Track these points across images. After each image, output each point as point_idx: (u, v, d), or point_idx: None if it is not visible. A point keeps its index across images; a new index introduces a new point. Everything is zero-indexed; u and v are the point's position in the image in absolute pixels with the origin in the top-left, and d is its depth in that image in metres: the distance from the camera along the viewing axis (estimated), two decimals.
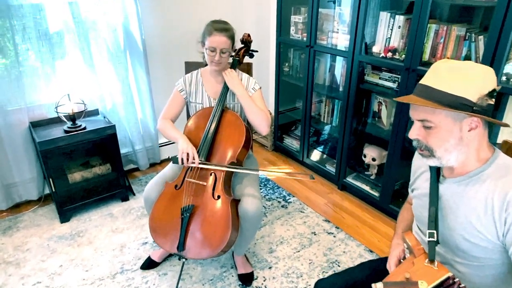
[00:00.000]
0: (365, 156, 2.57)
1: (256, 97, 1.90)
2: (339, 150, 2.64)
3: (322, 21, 2.59)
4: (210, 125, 1.80)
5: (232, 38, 1.77)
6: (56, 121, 2.43)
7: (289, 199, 2.66)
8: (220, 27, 1.74)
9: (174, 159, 1.78)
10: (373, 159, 2.52)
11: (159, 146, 3.05)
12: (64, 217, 2.39)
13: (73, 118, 2.34)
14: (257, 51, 2.01)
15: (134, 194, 2.70)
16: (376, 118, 2.48)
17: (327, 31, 2.59)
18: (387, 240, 2.27)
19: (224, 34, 1.74)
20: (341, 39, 2.49)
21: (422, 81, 1.02)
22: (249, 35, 1.96)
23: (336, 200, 2.67)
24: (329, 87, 2.77)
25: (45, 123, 2.42)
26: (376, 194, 2.50)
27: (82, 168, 2.47)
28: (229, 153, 1.77)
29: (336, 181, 2.80)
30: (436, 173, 1.10)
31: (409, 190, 1.29)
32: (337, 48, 2.51)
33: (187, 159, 1.71)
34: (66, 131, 2.30)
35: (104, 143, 2.41)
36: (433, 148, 1.00)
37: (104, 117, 2.54)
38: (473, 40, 1.86)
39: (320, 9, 2.50)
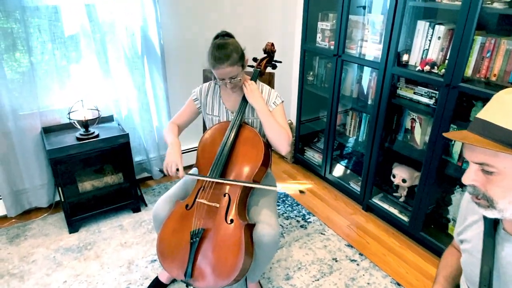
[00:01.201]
0: (394, 177, 2.36)
1: (277, 112, 1.74)
2: (366, 168, 2.44)
3: (351, 29, 2.41)
4: (226, 141, 1.65)
5: (237, 61, 1.58)
6: (69, 127, 2.35)
7: (309, 218, 2.48)
8: (220, 56, 1.54)
9: (161, 169, 1.73)
10: (404, 181, 2.31)
11: None
12: (73, 227, 2.29)
13: (85, 125, 2.24)
14: (280, 62, 1.85)
15: (146, 205, 2.58)
16: (408, 136, 2.27)
17: (356, 39, 2.40)
18: (415, 272, 2.05)
19: (227, 64, 1.55)
20: (371, 49, 2.30)
21: (481, 115, 0.83)
22: (272, 45, 1.81)
23: (360, 222, 2.47)
24: (356, 99, 2.57)
25: (57, 129, 2.34)
26: (405, 218, 2.29)
27: (94, 176, 2.37)
28: (245, 173, 1.62)
29: (361, 201, 2.59)
30: (493, 225, 0.91)
31: (456, 238, 1.09)
32: (366, 58, 2.32)
33: (167, 170, 1.63)
34: (78, 138, 2.21)
35: (117, 152, 2.31)
36: (494, 198, 0.81)
37: (119, 124, 2.44)
38: None
39: (349, 16, 2.32)
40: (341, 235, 2.33)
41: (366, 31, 2.31)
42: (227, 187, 1.62)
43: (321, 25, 2.59)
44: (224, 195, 1.60)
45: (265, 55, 1.83)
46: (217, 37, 1.66)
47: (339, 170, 2.88)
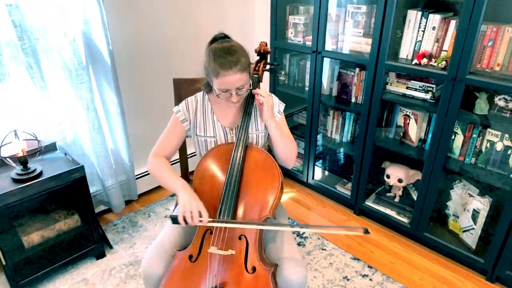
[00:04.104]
0: (388, 177, 2.22)
1: (282, 121, 1.47)
2: (357, 170, 2.27)
3: (330, 22, 2.19)
4: (234, 169, 1.32)
5: (246, 67, 1.27)
6: (0, 165, 1.80)
7: (304, 233, 2.25)
8: (227, 61, 1.22)
9: (174, 218, 1.28)
10: (400, 180, 2.18)
11: (136, 178, 2.49)
12: None
13: (23, 161, 1.73)
14: (278, 64, 1.56)
15: (111, 247, 2.13)
16: (401, 133, 2.14)
17: (335, 33, 2.20)
18: (429, 277, 1.94)
19: (236, 70, 1.23)
20: (354, 43, 2.12)
21: None
22: (266, 44, 1.51)
23: None
24: (337, 98, 2.38)
25: None
26: (405, 220, 2.17)
27: (41, 225, 1.86)
28: (263, 206, 1.31)
29: (352, 205, 2.43)
30: None
31: None
32: (349, 53, 2.13)
33: (192, 218, 1.23)
34: (15, 180, 1.69)
35: (70, 190, 1.83)
36: None
37: (65, 154, 1.95)
38: None
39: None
40: (342, 247, 2.14)
41: (347, 24, 2.12)
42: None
43: (292, 19, 2.34)
44: (240, 238, 1.28)
45: (258, 57, 1.52)
46: (214, 40, 1.32)
47: (321, 174, 2.69)
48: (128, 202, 2.51)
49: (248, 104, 1.41)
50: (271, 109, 1.39)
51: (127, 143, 2.28)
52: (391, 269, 1.99)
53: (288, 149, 1.43)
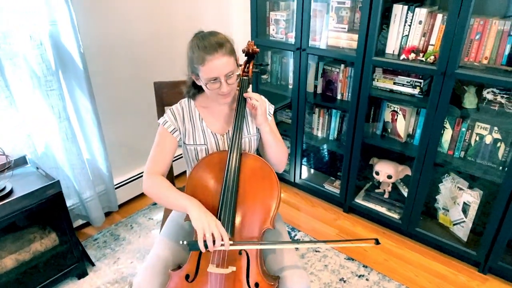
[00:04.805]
0: (377, 174, 2.20)
1: (273, 124, 1.40)
2: (346, 168, 2.24)
3: (313, 18, 2.13)
4: (229, 179, 1.23)
5: (232, 52, 1.22)
6: None
7: (295, 235, 2.20)
8: (212, 44, 1.16)
9: (192, 245, 1.14)
10: (389, 177, 2.17)
11: (115, 188, 2.34)
12: None
13: None
14: (267, 64, 1.48)
15: (93, 264, 1.99)
16: (389, 129, 2.12)
17: (320, 29, 2.14)
18: (424, 273, 1.94)
19: (223, 53, 1.17)
20: (338, 39, 2.07)
21: None
22: (254, 44, 1.42)
23: (347, 227, 2.28)
24: (322, 95, 2.34)
25: None
26: (396, 216, 2.16)
27: (15, 248, 1.69)
28: (262, 218, 1.23)
29: (341, 203, 2.40)
30: None
31: None
32: (335, 49, 2.08)
33: (213, 241, 1.11)
34: None
35: (45, 208, 1.68)
36: None
37: (37, 168, 1.79)
38: None
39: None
40: (336, 248, 2.10)
41: (331, 20, 2.06)
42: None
43: (274, 15, 2.26)
44: (240, 253, 1.20)
45: (246, 58, 1.43)
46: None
47: (308, 173, 2.65)
48: (108, 214, 2.37)
49: (240, 108, 1.32)
50: (265, 113, 1.31)
51: (104, 151, 2.14)
52: (386, 267, 1.97)
53: (280, 153, 1.37)
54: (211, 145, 1.34)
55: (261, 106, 1.28)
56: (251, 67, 1.39)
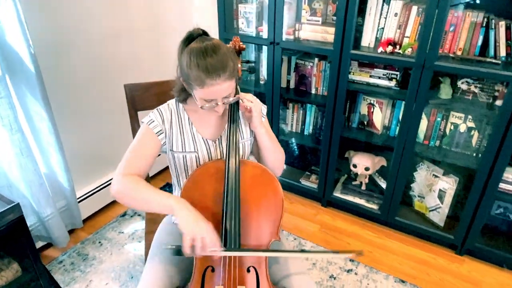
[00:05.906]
0: (355, 166, 2.21)
1: (267, 125, 1.32)
2: (324, 162, 2.22)
3: (285, 11, 2.05)
4: (231, 190, 1.11)
5: (234, 72, 1.08)
6: None
7: None
8: (214, 66, 1.02)
9: (175, 250, 1.04)
10: (366, 169, 2.18)
11: (78, 202, 2.11)
12: None
13: None
14: (254, 62, 1.38)
15: None
16: (365, 122, 2.13)
17: (293, 23, 2.08)
18: (406, 260, 1.99)
19: (225, 78, 1.04)
20: (314, 32, 2.02)
21: None
22: (240, 41, 1.31)
23: (328, 222, 2.27)
24: (296, 90, 2.29)
25: None
26: (375, 206, 2.19)
27: None
28: (269, 229, 1.15)
29: (319, 198, 2.39)
30: None
31: None
32: (308, 43, 2.03)
33: (203, 247, 1.00)
34: None
35: (4, 237, 1.45)
36: None
37: None
38: (493, 27, 1.62)
39: None
40: (321, 244, 2.08)
41: (304, 12, 2.01)
42: (249, 257, 1.13)
43: (242, 8, 2.16)
44: (248, 270, 1.11)
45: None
46: (191, 39, 1.10)
47: (284, 169, 2.59)
48: (72, 232, 2.14)
49: (233, 110, 1.22)
50: (260, 114, 1.22)
51: (64, 163, 1.91)
52: (372, 259, 2.00)
53: (277, 156, 1.30)
54: (202, 152, 1.22)
55: (255, 107, 1.19)
56: (240, 66, 1.29)
